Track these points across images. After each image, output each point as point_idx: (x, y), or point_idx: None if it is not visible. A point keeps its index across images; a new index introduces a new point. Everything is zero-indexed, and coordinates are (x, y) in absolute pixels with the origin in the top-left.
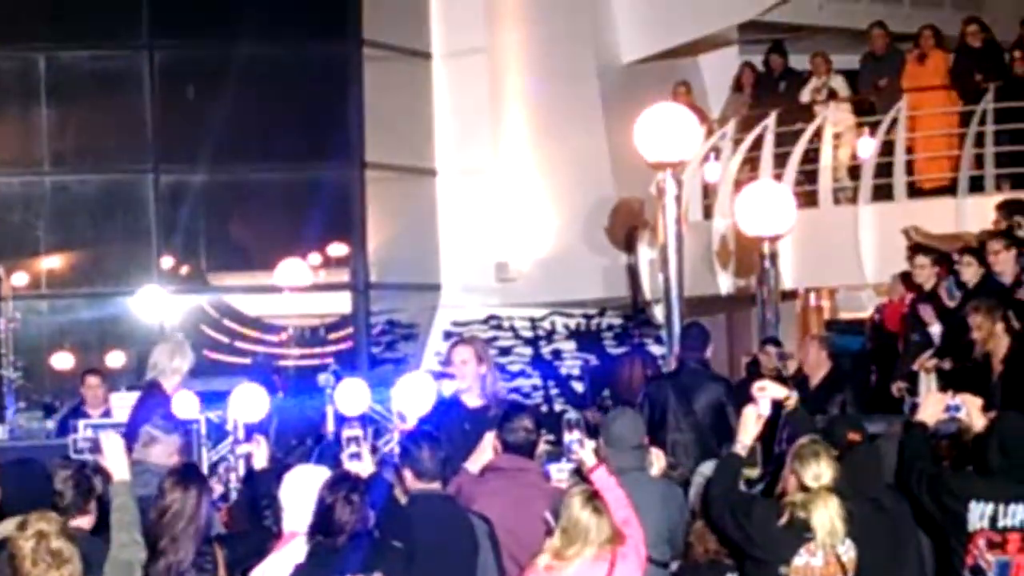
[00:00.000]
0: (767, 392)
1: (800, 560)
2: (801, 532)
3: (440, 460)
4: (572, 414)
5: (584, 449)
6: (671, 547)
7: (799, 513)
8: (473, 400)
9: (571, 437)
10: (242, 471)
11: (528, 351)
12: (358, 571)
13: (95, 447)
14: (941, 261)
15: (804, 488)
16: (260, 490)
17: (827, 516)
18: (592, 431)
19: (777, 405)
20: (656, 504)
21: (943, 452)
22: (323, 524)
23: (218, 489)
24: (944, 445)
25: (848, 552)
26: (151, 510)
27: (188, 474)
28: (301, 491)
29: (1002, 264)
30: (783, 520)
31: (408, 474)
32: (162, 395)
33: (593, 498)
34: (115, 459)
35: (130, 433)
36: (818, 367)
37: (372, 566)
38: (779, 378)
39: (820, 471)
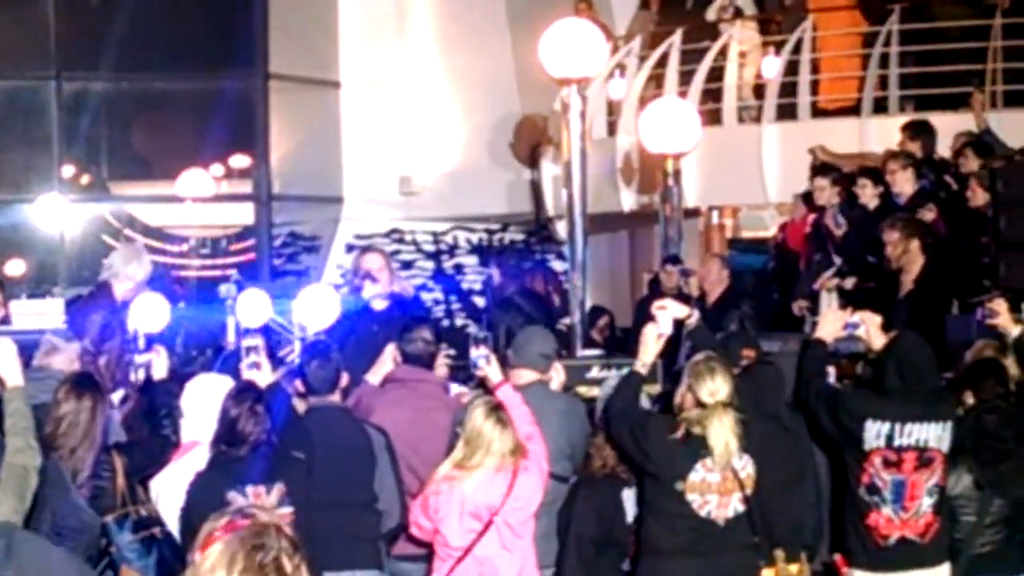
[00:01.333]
0: (667, 311)
1: (696, 476)
2: (697, 448)
3: (327, 376)
4: (479, 330)
5: (490, 366)
6: (571, 462)
7: (695, 429)
8: (379, 303)
9: (477, 353)
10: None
11: (430, 265)
12: (259, 481)
13: None
14: (842, 181)
15: (700, 404)
16: (159, 400)
17: (722, 432)
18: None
19: (678, 323)
20: (557, 418)
21: (844, 371)
22: (227, 435)
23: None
24: (844, 363)
25: (746, 468)
26: (47, 419)
27: (82, 383)
28: (203, 400)
29: (900, 184)
30: (678, 436)
31: (300, 387)
32: (109, 298)
33: (496, 409)
34: (7, 365)
35: (73, 327)
36: (718, 284)
37: (273, 476)
38: (680, 296)
39: (716, 387)
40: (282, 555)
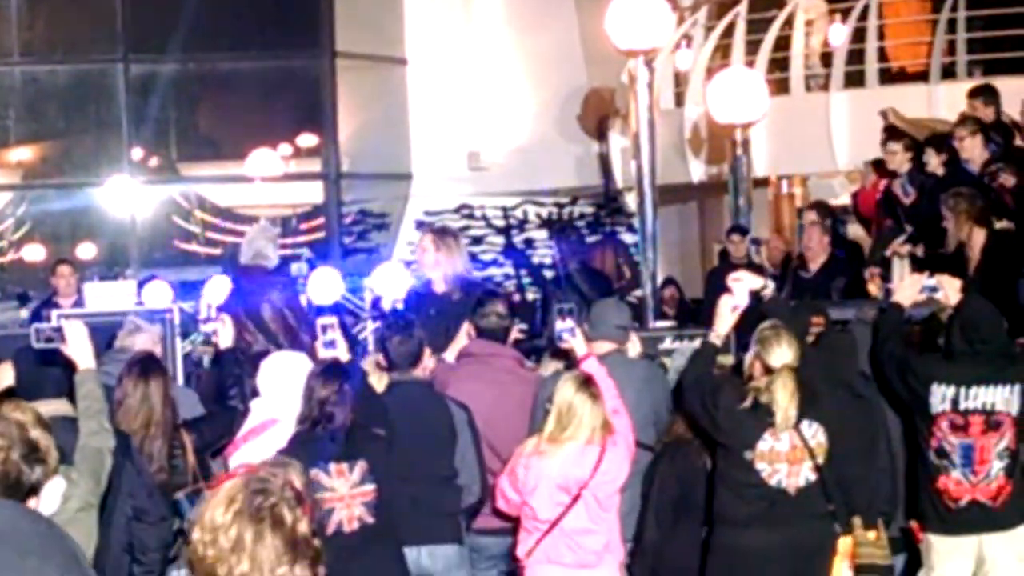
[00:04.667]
0: (743, 282)
1: (765, 445)
2: (764, 417)
3: (409, 350)
4: (565, 303)
5: (575, 338)
6: (656, 429)
7: (762, 398)
8: (439, 286)
9: (563, 326)
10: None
11: (500, 240)
12: (342, 459)
13: (60, 336)
14: (913, 148)
15: (768, 371)
16: (225, 369)
17: (783, 396)
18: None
19: (754, 294)
20: (639, 386)
21: (915, 337)
22: (314, 414)
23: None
24: (916, 330)
25: (816, 436)
26: (116, 406)
27: (147, 366)
28: (280, 378)
29: (968, 151)
30: (746, 404)
31: (382, 362)
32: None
33: (586, 383)
34: (79, 347)
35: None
36: (820, 252)
37: (356, 454)
38: (751, 266)
39: (782, 352)
40: (282, 504)
